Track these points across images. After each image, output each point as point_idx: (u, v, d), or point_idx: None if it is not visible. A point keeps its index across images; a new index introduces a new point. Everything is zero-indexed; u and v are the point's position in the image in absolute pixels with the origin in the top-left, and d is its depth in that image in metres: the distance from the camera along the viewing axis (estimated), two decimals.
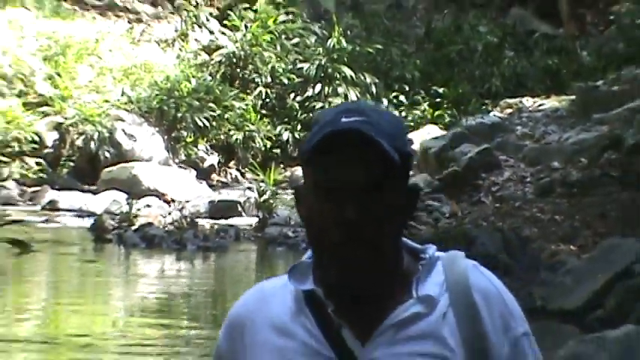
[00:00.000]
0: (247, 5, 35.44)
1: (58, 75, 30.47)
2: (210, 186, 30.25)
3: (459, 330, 2.05)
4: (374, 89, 32.60)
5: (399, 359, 2.03)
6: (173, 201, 26.61)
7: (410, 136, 18.16)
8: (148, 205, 24.97)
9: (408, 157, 2.06)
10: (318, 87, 32.62)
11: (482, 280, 2.15)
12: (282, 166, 30.97)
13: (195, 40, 36.18)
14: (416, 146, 24.79)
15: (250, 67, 33.79)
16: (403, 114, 30.78)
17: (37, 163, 28.17)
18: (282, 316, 2.11)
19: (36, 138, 28.17)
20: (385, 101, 31.69)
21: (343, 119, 1.95)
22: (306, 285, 2.08)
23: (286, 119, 33.23)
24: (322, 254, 2.01)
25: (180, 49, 35.38)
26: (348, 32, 35.17)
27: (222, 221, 23.97)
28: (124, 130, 30.14)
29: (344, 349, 2.02)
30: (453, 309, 2.08)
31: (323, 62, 32.91)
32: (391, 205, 1.97)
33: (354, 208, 1.89)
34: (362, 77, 32.65)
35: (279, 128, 32.62)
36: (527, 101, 30.23)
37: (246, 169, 31.31)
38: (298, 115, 32.82)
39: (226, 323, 2.28)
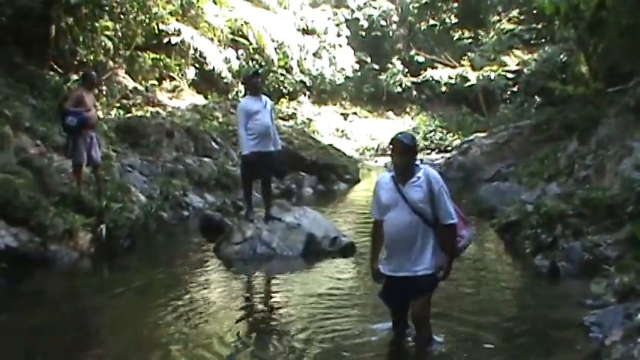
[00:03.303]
0: None
1: None
2: None
3: (426, 185, 5.75)
4: None
5: (410, 188, 5.77)
6: None
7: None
8: None
9: (413, 144, 5.88)
10: None
11: (432, 172, 5.87)
12: None
13: None
14: None
15: None
16: None
17: None
18: (386, 180, 5.93)
19: None
20: None
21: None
22: (392, 173, 5.91)
23: None
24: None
25: None
26: None
27: None
28: None
29: (398, 187, 5.81)
30: (425, 179, 5.77)
31: None
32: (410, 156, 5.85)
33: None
34: None
35: None
36: None
37: None
38: None
39: (376, 182, 6.08)
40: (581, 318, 6.85)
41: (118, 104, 22.51)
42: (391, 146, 5.88)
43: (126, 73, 24.91)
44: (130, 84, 24.62)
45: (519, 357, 6.42)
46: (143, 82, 25.77)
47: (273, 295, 9.11)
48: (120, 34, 22.73)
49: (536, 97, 31.10)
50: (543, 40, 34.05)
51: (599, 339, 6.20)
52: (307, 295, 8.74)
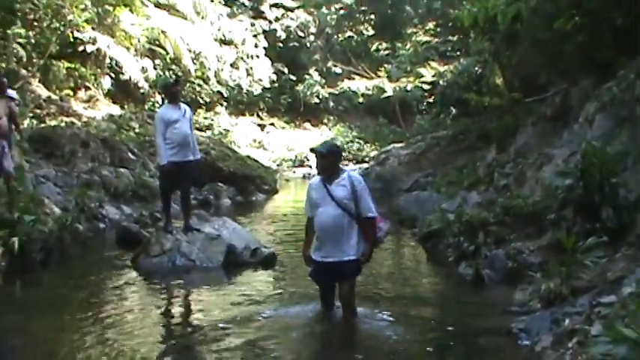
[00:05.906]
0: None
1: None
2: None
3: (349, 185, 6.87)
4: None
5: (336, 187, 6.89)
6: None
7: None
8: None
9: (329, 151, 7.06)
10: None
11: (354, 174, 7.14)
12: None
13: None
14: None
15: None
16: None
17: None
18: (317, 182, 7.07)
19: None
20: None
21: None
22: (321, 177, 7.04)
23: None
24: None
25: None
26: None
27: None
28: None
29: (326, 186, 6.93)
30: (348, 180, 6.91)
31: None
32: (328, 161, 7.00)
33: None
34: None
35: None
36: None
37: None
38: None
39: (309, 185, 7.34)
40: (508, 325, 6.78)
41: (31, 114, 21.88)
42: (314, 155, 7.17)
43: (39, 82, 24.33)
44: (44, 93, 24.02)
45: None
46: (57, 91, 25.23)
47: (193, 307, 8.90)
48: (33, 41, 22.10)
49: (452, 108, 31.51)
50: (459, 53, 34.66)
51: (527, 345, 6.16)
52: (228, 305, 8.51)
